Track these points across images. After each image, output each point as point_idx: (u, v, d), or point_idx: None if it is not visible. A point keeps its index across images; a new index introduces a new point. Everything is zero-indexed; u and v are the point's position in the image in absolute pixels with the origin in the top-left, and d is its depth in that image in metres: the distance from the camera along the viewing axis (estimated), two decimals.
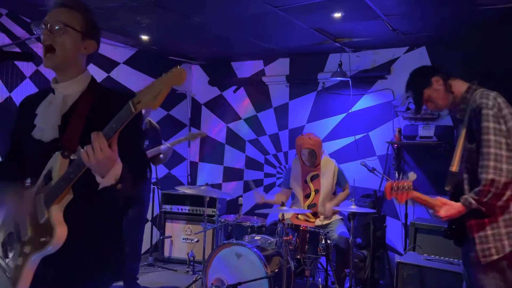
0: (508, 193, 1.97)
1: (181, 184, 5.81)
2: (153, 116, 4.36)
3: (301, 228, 3.58)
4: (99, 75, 4.69)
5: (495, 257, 1.99)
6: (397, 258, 3.70)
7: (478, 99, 2.07)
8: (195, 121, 6.00)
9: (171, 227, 5.17)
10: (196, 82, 6.02)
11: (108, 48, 4.81)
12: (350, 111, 4.90)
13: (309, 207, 4.14)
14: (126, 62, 5.05)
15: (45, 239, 1.42)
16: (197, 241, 4.97)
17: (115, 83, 4.87)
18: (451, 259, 3.34)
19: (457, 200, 2.09)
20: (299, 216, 4.15)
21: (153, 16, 3.80)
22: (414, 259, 3.38)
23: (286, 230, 3.42)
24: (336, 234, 3.85)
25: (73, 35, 1.53)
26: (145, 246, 4.72)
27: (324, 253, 3.58)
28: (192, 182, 5.96)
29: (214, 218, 4.90)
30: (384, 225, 4.25)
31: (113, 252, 1.60)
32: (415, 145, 4.36)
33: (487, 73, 3.31)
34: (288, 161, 5.26)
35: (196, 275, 4.33)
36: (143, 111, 4.02)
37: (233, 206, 5.30)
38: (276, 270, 3.42)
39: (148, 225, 4.61)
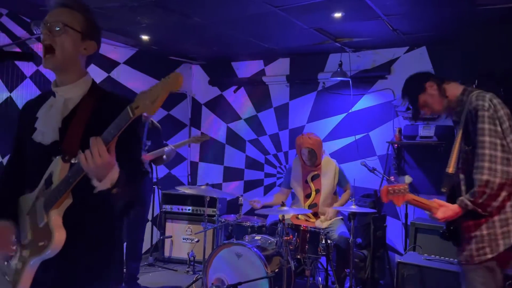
0: (503, 194, 1.99)
1: (181, 184, 5.81)
2: (154, 116, 4.36)
3: (301, 228, 3.58)
4: (100, 75, 4.69)
5: (489, 256, 2.02)
6: (398, 258, 3.70)
7: (474, 101, 2.08)
8: (195, 121, 6.00)
9: (171, 227, 5.17)
10: (197, 82, 6.02)
11: (109, 48, 4.81)
12: (350, 111, 4.90)
13: (309, 207, 4.14)
14: (127, 62, 5.05)
15: (44, 243, 1.42)
16: (198, 241, 4.97)
17: (115, 83, 4.87)
18: (451, 259, 3.34)
19: (453, 202, 2.11)
20: (299, 216, 4.15)
21: (153, 16, 3.80)
22: (414, 259, 3.38)
23: (286, 230, 3.42)
24: (337, 234, 3.85)
25: (73, 35, 1.52)
26: (146, 246, 4.72)
27: (324, 253, 3.58)
28: (193, 182, 5.97)
29: (214, 218, 4.91)
30: (385, 225, 4.25)
31: (114, 256, 1.60)
32: (415, 145, 4.36)
33: (487, 73, 3.31)
34: (289, 161, 5.26)
35: (197, 275, 4.33)
36: (145, 114, 4.09)
37: (233, 206, 5.30)
38: (277, 270, 3.42)
39: (148, 225, 4.61)
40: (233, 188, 5.71)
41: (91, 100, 1.55)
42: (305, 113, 5.20)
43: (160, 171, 5.16)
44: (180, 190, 4.09)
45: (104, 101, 1.56)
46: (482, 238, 2.04)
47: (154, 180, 4.74)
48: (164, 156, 4.08)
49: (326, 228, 3.96)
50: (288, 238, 3.38)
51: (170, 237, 5.15)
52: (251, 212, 5.14)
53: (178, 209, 5.16)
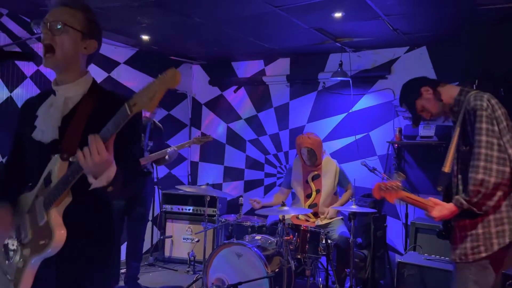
0: (498, 193, 2.00)
1: (181, 184, 5.81)
2: (154, 116, 4.37)
3: (302, 228, 3.58)
4: (100, 75, 4.69)
5: (484, 254, 2.04)
6: (398, 258, 3.70)
7: (472, 101, 2.09)
8: (196, 121, 6.01)
9: (171, 227, 5.18)
10: (197, 82, 6.02)
11: (109, 48, 4.80)
12: (350, 111, 4.90)
13: (310, 207, 4.14)
14: (127, 62, 5.05)
15: (44, 242, 1.42)
16: (198, 241, 4.97)
17: (116, 83, 4.87)
18: None
19: (450, 201, 2.12)
20: (300, 216, 4.15)
21: (153, 16, 3.80)
22: (414, 259, 3.38)
23: (286, 230, 3.42)
24: (337, 234, 3.85)
25: (73, 34, 1.52)
26: (146, 246, 4.72)
27: (324, 253, 3.57)
28: (193, 182, 5.97)
29: (214, 218, 4.91)
30: (385, 225, 4.25)
31: (113, 254, 1.60)
32: (415, 145, 4.36)
33: (487, 73, 3.31)
34: (289, 161, 5.26)
35: (197, 275, 4.34)
36: (148, 115, 4.11)
37: (233, 206, 5.30)
38: (277, 270, 3.42)
39: (148, 225, 4.61)
40: (233, 188, 5.71)
41: (91, 99, 1.55)
42: (306, 113, 5.20)
43: (160, 171, 5.16)
44: (180, 190, 4.10)
45: (104, 100, 1.56)
46: (478, 236, 2.06)
47: (155, 180, 4.74)
48: (167, 157, 4.12)
49: (326, 227, 3.96)
50: (289, 238, 3.38)
51: (171, 237, 5.15)
52: (251, 212, 5.14)
53: (179, 209, 5.16)
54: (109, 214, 1.60)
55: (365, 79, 4.80)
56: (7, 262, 1.57)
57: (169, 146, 4.22)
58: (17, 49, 3.90)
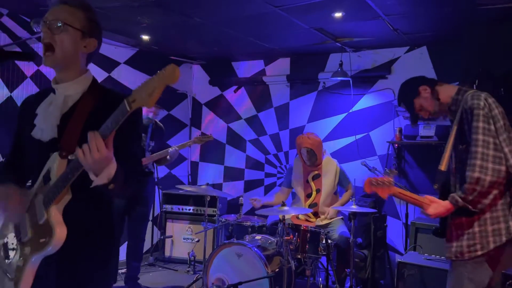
0: (494, 191, 2.03)
1: (181, 184, 5.81)
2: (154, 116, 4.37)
3: (302, 228, 3.58)
4: (100, 75, 4.69)
5: (479, 253, 2.06)
6: (398, 258, 3.70)
7: (469, 100, 2.11)
8: (196, 121, 6.01)
9: (171, 227, 5.18)
10: (197, 82, 6.02)
11: (109, 48, 4.81)
12: (350, 110, 4.90)
13: (310, 206, 4.15)
14: (127, 62, 5.06)
15: (45, 240, 1.42)
16: (198, 241, 4.97)
17: (116, 83, 4.87)
18: None
19: (446, 199, 2.14)
20: (300, 215, 4.15)
21: (153, 16, 3.81)
22: (414, 259, 3.38)
23: (286, 230, 3.42)
24: (337, 234, 3.86)
25: (73, 33, 1.51)
26: (146, 246, 4.72)
27: (324, 253, 3.58)
28: (193, 182, 5.97)
29: (214, 217, 4.91)
30: (385, 224, 4.25)
31: (112, 252, 1.60)
32: (415, 145, 4.36)
33: (487, 73, 3.32)
34: (289, 161, 5.26)
35: (197, 275, 4.34)
36: (151, 116, 4.12)
37: (233, 206, 5.30)
38: (277, 269, 3.42)
39: (149, 225, 4.62)
40: (233, 188, 5.71)
41: (91, 98, 1.55)
42: (306, 113, 5.20)
43: (160, 171, 5.16)
44: (180, 190, 4.11)
45: (104, 98, 1.55)
46: (474, 235, 2.08)
47: (155, 180, 4.75)
48: (168, 157, 4.15)
49: (326, 227, 3.97)
50: (289, 238, 3.38)
51: (171, 237, 5.16)
52: (252, 212, 5.14)
53: (179, 209, 5.16)
54: (109, 212, 1.60)
55: (365, 79, 4.80)
56: (7, 260, 1.57)
57: (169, 146, 4.24)
58: (17, 49, 3.90)
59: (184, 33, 4.37)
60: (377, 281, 4.17)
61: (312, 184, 4.17)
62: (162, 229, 5.17)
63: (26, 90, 4.01)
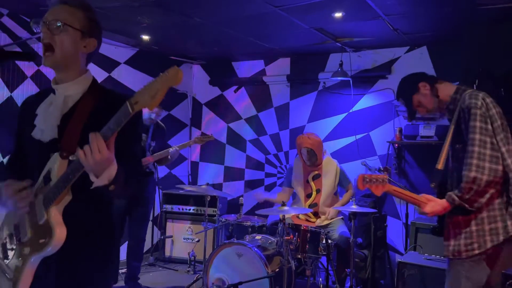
0: (491, 190, 2.03)
1: (182, 184, 5.82)
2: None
3: (302, 228, 3.59)
4: (100, 75, 4.69)
5: (477, 251, 2.07)
6: (398, 258, 3.70)
7: (467, 99, 2.11)
8: (196, 121, 6.01)
9: (172, 227, 5.18)
10: (197, 82, 6.02)
11: (109, 48, 4.81)
12: (350, 110, 4.90)
13: (310, 206, 4.15)
14: (127, 62, 5.06)
15: (44, 240, 1.42)
16: (198, 241, 4.97)
17: (116, 83, 4.87)
18: None
19: (443, 197, 2.14)
20: (300, 215, 4.15)
21: (154, 16, 3.81)
22: (415, 259, 3.38)
23: (287, 229, 3.43)
24: (337, 234, 3.86)
25: (73, 33, 1.51)
26: (146, 245, 4.72)
27: (325, 253, 3.58)
28: (193, 182, 5.97)
29: (215, 217, 4.91)
30: (385, 224, 4.25)
31: (112, 252, 1.60)
32: (416, 145, 4.36)
33: (488, 73, 3.32)
34: (289, 161, 5.26)
35: (197, 275, 4.34)
36: (153, 117, 4.13)
37: (234, 205, 5.30)
38: (277, 269, 3.42)
39: (149, 225, 4.62)
40: (233, 188, 5.71)
41: (91, 98, 1.54)
42: (306, 113, 5.20)
43: (160, 171, 5.16)
44: (181, 190, 4.11)
45: (104, 98, 1.55)
46: (471, 234, 2.08)
47: (156, 180, 4.75)
48: (169, 157, 4.15)
49: (326, 227, 3.97)
50: (289, 238, 3.38)
51: (171, 237, 5.16)
52: (252, 212, 5.15)
53: (179, 209, 5.16)
54: (109, 213, 1.60)
55: (366, 79, 4.80)
56: (6, 260, 1.57)
57: (170, 146, 4.24)
58: (18, 49, 3.90)
59: (184, 33, 4.37)
60: (377, 281, 4.17)
61: (312, 184, 4.17)
62: (162, 229, 5.17)
63: (26, 90, 4.01)
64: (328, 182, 4.13)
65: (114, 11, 3.65)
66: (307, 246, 3.56)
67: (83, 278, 1.51)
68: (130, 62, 5.07)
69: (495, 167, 2.00)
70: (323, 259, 3.76)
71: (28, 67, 4.02)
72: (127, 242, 4.21)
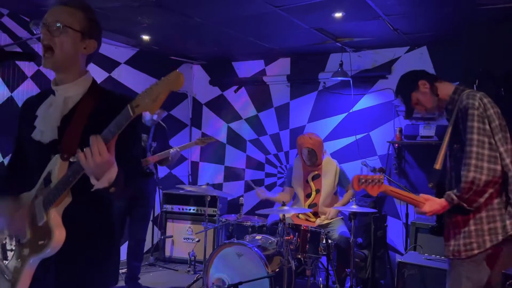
0: (489, 190, 2.03)
1: (182, 184, 5.82)
2: (155, 116, 4.37)
3: (302, 228, 3.59)
4: (100, 75, 4.70)
5: (476, 251, 2.07)
6: (398, 258, 3.70)
7: (465, 100, 2.12)
8: (196, 121, 6.01)
9: (172, 227, 5.18)
10: (197, 82, 6.02)
11: (109, 48, 4.81)
12: (351, 110, 4.90)
13: (309, 206, 4.15)
14: (127, 62, 5.06)
15: (44, 242, 1.42)
16: (198, 241, 4.97)
17: (116, 83, 4.87)
18: None
19: (441, 197, 2.15)
20: (300, 215, 4.15)
21: (154, 16, 3.81)
22: (415, 259, 3.38)
23: (287, 229, 3.43)
24: (337, 234, 3.86)
25: (72, 35, 1.50)
26: (146, 245, 4.72)
27: (325, 253, 3.58)
28: (193, 182, 5.97)
29: (215, 217, 4.91)
30: (385, 224, 4.25)
31: (112, 254, 1.60)
32: (416, 145, 4.36)
33: (488, 73, 3.32)
34: (289, 161, 5.26)
35: (197, 275, 4.34)
36: (154, 117, 4.13)
37: (234, 205, 5.30)
38: (277, 269, 3.42)
39: (149, 225, 4.62)
40: (233, 188, 5.71)
41: (91, 99, 1.54)
42: (306, 113, 5.20)
43: (161, 171, 5.16)
44: (181, 190, 4.11)
45: (104, 100, 1.55)
46: (470, 233, 2.09)
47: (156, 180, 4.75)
48: (169, 158, 4.16)
49: (326, 227, 3.97)
50: (289, 237, 3.38)
51: (171, 237, 5.16)
52: (252, 212, 5.15)
53: (179, 209, 5.16)
54: (109, 214, 1.60)
55: (366, 79, 4.80)
56: (5, 261, 1.57)
57: (171, 147, 4.24)
58: (18, 49, 3.91)
59: (184, 33, 4.37)
60: (377, 281, 4.17)
61: (311, 184, 4.17)
62: (163, 229, 5.17)
63: (26, 90, 4.01)
64: (327, 182, 4.13)
65: (114, 11, 3.65)
66: (307, 246, 3.56)
67: (82, 280, 1.51)
68: (130, 62, 5.07)
69: (493, 167, 2.00)
70: (323, 259, 3.77)
71: (28, 67, 4.02)
72: (127, 242, 4.21)
